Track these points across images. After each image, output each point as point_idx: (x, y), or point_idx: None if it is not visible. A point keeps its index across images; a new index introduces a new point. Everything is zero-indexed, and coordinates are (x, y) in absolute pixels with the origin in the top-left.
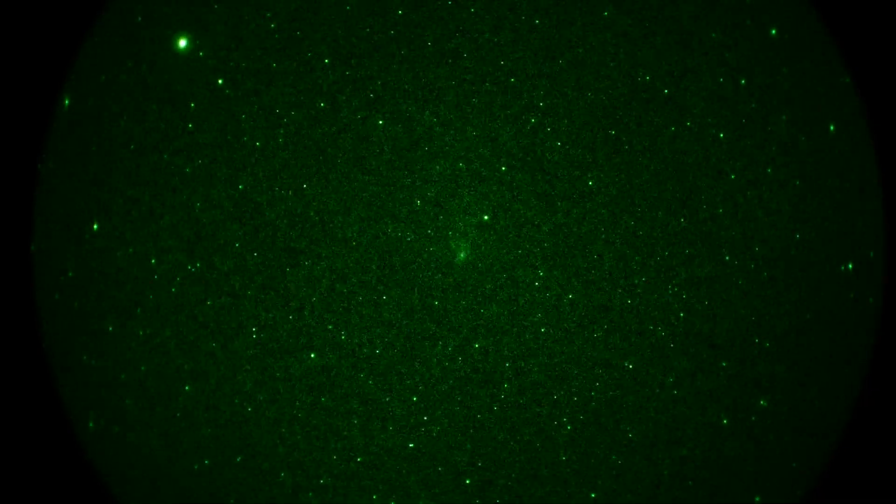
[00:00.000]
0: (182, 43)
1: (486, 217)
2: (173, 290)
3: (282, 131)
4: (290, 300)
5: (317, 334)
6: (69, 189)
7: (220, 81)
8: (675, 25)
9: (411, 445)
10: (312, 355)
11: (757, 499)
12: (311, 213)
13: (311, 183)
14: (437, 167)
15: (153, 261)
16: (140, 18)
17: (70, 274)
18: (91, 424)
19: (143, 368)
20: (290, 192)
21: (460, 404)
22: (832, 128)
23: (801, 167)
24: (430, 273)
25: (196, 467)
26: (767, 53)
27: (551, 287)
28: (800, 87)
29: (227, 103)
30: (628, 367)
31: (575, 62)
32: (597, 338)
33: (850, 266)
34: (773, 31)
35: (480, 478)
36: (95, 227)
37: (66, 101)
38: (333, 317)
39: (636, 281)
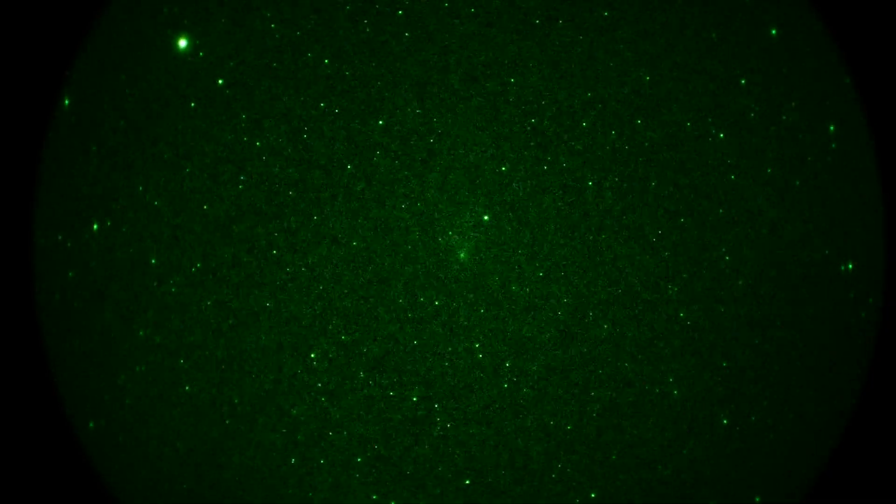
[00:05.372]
0: (182, 43)
1: (486, 217)
2: (173, 289)
3: (282, 131)
4: (290, 300)
5: (317, 334)
6: (69, 189)
7: (220, 81)
8: (675, 25)
9: (411, 445)
10: (312, 355)
11: (757, 499)
12: (312, 213)
13: (312, 182)
14: (438, 167)
15: (153, 261)
16: (140, 18)
17: (70, 274)
18: (91, 424)
19: (143, 368)
20: (291, 192)
21: (460, 404)
22: (832, 128)
23: (801, 167)
24: (430, 273)
25: (196, 468)
26: (767, 53)
27: (551, 287)
28: (800, 87)
29: (227, 103)
30: (627, 366)
31: (575, 62)
32: (596, 337)
33: (850, 266)
34: (773, 31)
35: (480, 478)
36: (95, 227)
37: (66, 101)
38: (334, 317)
39: (636, 280)
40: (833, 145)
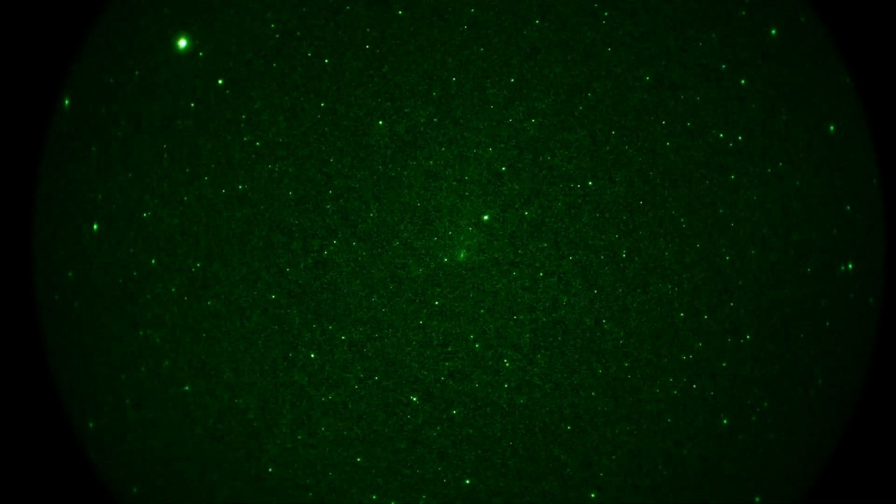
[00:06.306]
0: (182, 43)
1: (485, 217)
2: (173, 289)
3: (281, 131)
4: (289, 300)
5: (316, 335)
6: (69, 189)
7: (220, 81)
8: (675, 25)
9: (411, 445)
10: (312, 356)
11: (757, 499)
12: (312, 214)
13: (311, 183)
14: (438, 167)
15: (153, 261)
16: (140, 18)
17: (70, 274)
18: (91, 424)
19: (143, 368)
20: (290, 193)
21: (460, 404)
22: (832, 128)
23: (801, 167)
24: (429, 273)
25: (196, 468)
26: (767, 53)
27: (551, 287)
28: (800, 87)
29: (227, 103)
30: (627, 366)
31: (575, 63)
32: (596, 337)
33: (850, 266)
34: (773, 31)
35: (480, 478)
36: (95, 227)
37: (66, 101)
38: (334, 317)
39: (635, 280)
40: (833, 145)
